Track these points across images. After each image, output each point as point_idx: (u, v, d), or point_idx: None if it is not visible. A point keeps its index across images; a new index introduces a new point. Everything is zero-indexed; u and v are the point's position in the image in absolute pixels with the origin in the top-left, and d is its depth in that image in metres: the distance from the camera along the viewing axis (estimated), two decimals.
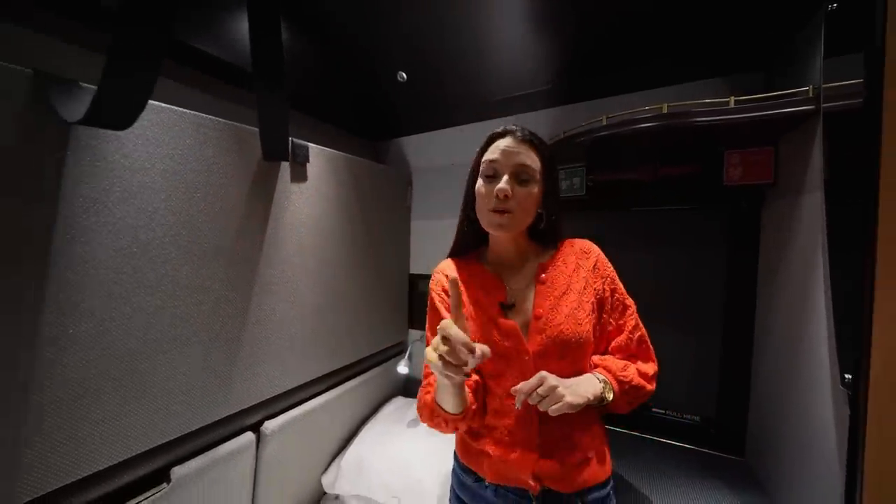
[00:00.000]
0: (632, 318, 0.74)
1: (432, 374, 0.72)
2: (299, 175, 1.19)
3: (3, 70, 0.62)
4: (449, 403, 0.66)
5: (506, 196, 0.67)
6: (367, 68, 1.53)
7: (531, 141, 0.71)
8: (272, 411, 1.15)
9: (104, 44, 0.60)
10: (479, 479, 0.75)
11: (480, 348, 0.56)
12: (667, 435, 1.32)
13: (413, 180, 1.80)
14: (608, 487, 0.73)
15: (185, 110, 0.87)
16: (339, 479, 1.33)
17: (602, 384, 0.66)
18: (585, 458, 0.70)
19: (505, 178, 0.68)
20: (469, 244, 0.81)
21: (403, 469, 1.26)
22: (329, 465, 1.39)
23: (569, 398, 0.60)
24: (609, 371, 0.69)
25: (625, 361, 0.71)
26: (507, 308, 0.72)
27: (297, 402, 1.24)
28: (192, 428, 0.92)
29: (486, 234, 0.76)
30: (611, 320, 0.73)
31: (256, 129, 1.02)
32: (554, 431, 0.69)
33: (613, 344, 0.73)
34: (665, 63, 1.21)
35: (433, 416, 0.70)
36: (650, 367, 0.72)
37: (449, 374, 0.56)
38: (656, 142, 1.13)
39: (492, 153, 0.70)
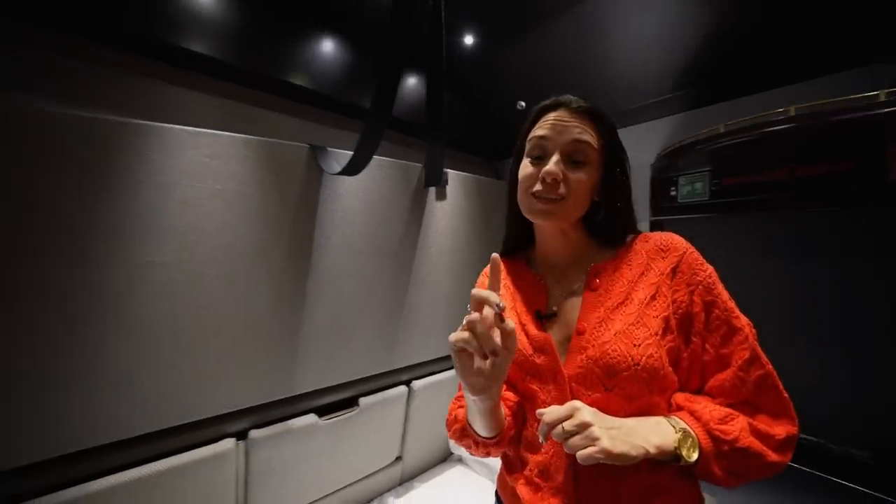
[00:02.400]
0: (744, 347, 0.50)
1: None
2: (441, 195, 1.55)
3: (299, 147, 1.11)
4: (478, 423, 0.55)
5: (555, 180, 0.54)
6: (489, 104, 1.83)
7: (590, 112, 0.57)
8: (418, 374, 1.52)
9: (342, 121, 1.03)
10: None
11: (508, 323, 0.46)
12: (825, 471, 1.18)
13: None
14: None
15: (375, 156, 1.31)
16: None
17: (679, 435, 0.46)
18: None
19: (555, 157, 0.54)
20: (519, 242, 0.68)
21: None
22: None
23: (606, 443, 0.42)
24: (697, 418, 0.49)
25: (729, 410, 0.50)
26: (544, 318, 0.58)
27: (438, 370, 1.58)
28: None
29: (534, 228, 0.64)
30: (707, 346, 0.52)
31: (413, 163, 1.41)
32: (599, 485, 0.51)
33: (713, 382, 0.52)
34: (797, 58, 1.15)
35: (462, 435, 0.60)
36: (780, 427, 0.48)
37: (463, 364, 0.47)
38: (793, 141, 1.09)
39: (540, 128, 0.57)
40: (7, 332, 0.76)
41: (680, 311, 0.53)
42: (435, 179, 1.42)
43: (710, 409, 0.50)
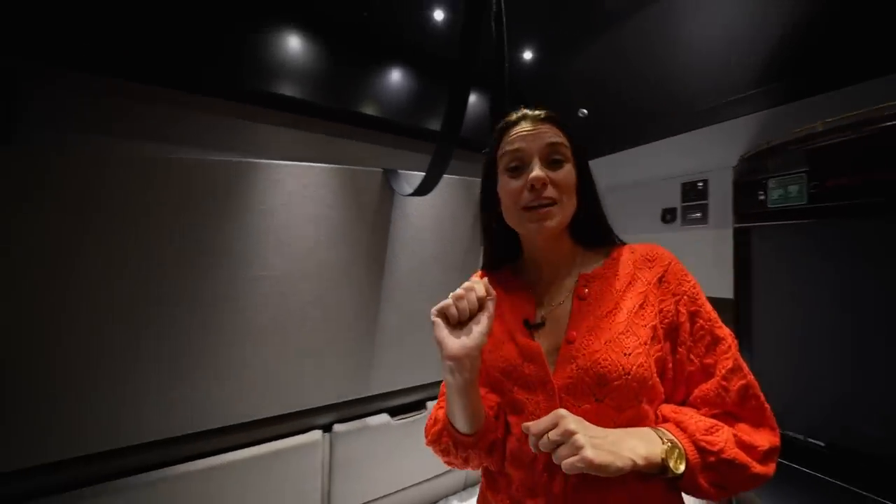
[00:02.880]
0: (727, 357, 0.51)
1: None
2: None
3: (374, 172, 1.24)
4: (458, 414, 0.54)
5: (543, 183, 0.53)
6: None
7: (552, 119, 0.58)
8: None
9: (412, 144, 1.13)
10: None
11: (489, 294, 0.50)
12: None
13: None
14: None
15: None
16: None
17: (666, 446, 0.46)
18: None
19: (536, 163, 0.54)
20: (503, 257, 0.66)
21: None
22: None
23: (589, 452, 0.41)
24: (684, 430, 0.48)
25: (714, 421, 0.49)
26: (533, 327, 0.57)
27: None
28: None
29: (516, 241, 0.64)
30: (691, 356, 0.52)
31: (474, 179, 1.47)
32: (587, 498, 0.49)
33: (698, 392, 0.52)
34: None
35: (440, 436, 0.58)
36: (763, 438, 0.48)
37: (442, 332, 0.49)
38: None
39: (510, 143, 0.57)
40: (157, 331, 0.97)
41: (666, 320, 0.53)
42: None
43: (695, 419, 0.50)
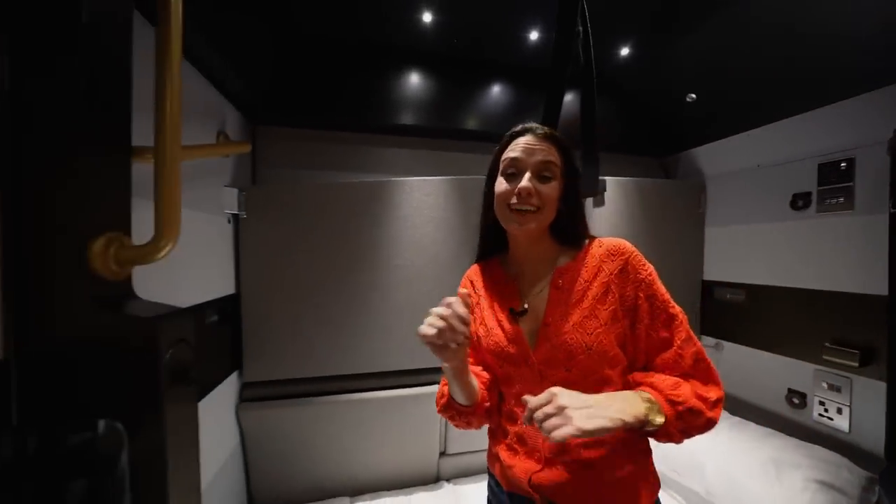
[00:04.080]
0: (681, 329, 0.64)
1: None
2: (598, 202, 1.68)
3: (479, 179, 1.51)
4: (457, 392, 0.68)
5: (529, 193, 0.65)
6: (650, 103, 1.80)
7: (552, 137, 0.69)
8: None
9: None
10: (497, 484, 0.74)
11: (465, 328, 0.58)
12: None
13: (707, 187, 1.85)
14: None
15: None
16: None
17: (647, 404, 0.57)
18: (613, 477, 0.63)
19: (527, 175, 0.65)
20: (492, 248, 0.79)
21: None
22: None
23: (578, 422, 0.50)
24: (656, 389, 0.60)
25: (676, 379, 0.62)
26: (517, 314, 0.69)
27: None
28: None
29: (506, 235, 0.74)
30: (650, 332, 0.64)
31: None
32: (564, 444, 0.63)
33: (658, 360, 0.64)
34: None
35: (447, 407, 0.71)
36: (712, 391, 0.61)
37: (435, 345, 0.58)
38: None
39: (512, 151, 0.68)
40: (346, 299, 1.43)
41: (627, 303, 0.65)
42: (589, 189, 1.57)
43: (662, 379, 0.62)
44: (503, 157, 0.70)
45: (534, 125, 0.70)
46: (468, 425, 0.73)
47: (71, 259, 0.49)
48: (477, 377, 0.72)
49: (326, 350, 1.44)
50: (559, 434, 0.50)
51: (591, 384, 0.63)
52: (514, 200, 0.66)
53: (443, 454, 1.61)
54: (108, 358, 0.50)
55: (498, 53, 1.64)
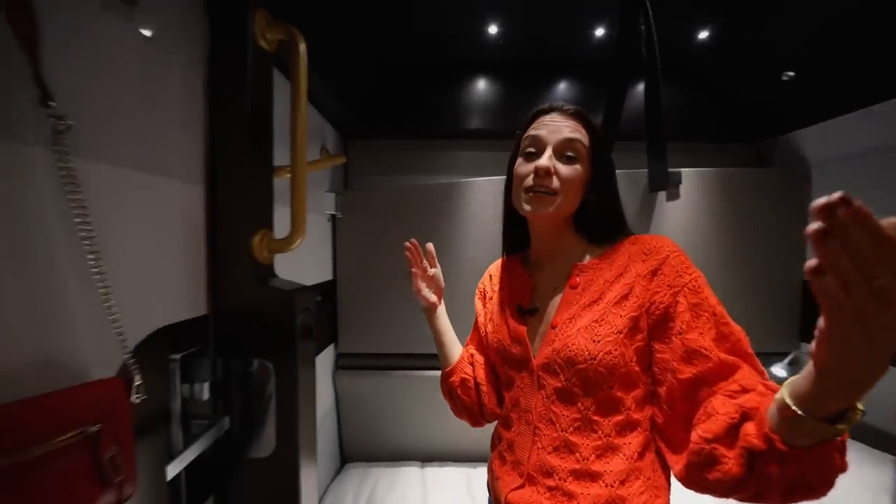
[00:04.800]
0: (751, 356, 0.46)
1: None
2: (673, 195, 1.60)
3: None
4: (441, 355, 0.76)
5: (547, 172, 0.56)
6: (738, 87, 1.64)
7: (580, 115, 0.61)
8: None
9: None
10: (490, 492, 0.69)
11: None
12: None
13: (812, 176, 1.63)
14: None
15: None
16: None
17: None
18: None
19: (548, 153, 0.58)
20: (515, 241, 0.72)
21: None
22: None
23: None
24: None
25: None
26: (525, 312, 0.62)
27: None
28: None
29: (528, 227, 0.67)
30: (698, 347, 0.47)
31: (639, 170, 1.56)
32: (546, 463, 0.54)
33: (717, 387, 0.45)
34: None
35: (443, 389, 0.79)
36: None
37: (419, 283, 0.76)
38: None
39: (534, 128, 0.61)
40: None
41: (658, 311, 0.52)
42: (659, 184, 1.52)
43: None
44: (524, 136, 0.62)
45: (561, 102, 0.62)
46: (454, 404, 0.76)
47: (242, 249, 0.73)
48: (474, 360, 0.77)
49: (406, 330, 1.64)
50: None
51: (596, 406, 0.53)
52: (530, 181, 0.58)
53: None
54: (262, 317, 0.73)
55: (561, 53, 1.67)
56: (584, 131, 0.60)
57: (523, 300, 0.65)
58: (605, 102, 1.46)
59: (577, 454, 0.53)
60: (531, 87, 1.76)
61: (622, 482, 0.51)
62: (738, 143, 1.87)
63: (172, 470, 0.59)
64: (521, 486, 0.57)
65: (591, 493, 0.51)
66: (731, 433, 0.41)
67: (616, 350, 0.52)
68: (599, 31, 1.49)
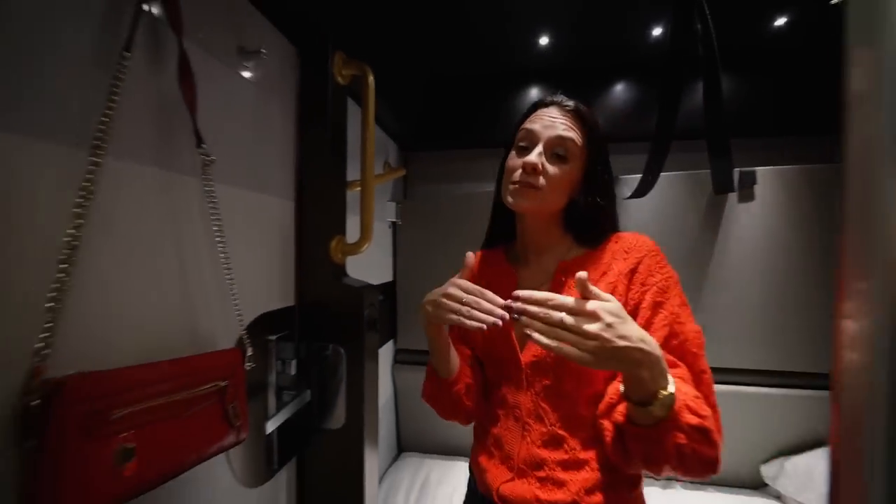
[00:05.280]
0: (695, 355, 0.52)
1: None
2: (747, 196, 1.49)
3: None
4: (442, 365, 0.63)
5: (534, 169, 0.56)
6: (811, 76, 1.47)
7: (579, 112, 0.59)
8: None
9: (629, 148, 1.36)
10: (475, 485, 0.68)
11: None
12: None
13: None
14: None
15: (665, 173, 1.52)
16: (781, 478, 1.43)
17: (669, 385, 0.45)
18: (574, 502, 0.53)
19: (538, 149, 0.58)
20: (500, 234, 0.71)
21: None
22: (772, 458, 1.52)
23: (590, 357, 0.43)
24: (678, 389, 0.46)
25: (698, 393, 0.49)
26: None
27: (745, 382, 1.52)
28: None
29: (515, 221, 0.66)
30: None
31: (701, 171, 1.47)
32: (536, 456, 0.56)
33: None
34: None
35: (430, 380, 0.68)
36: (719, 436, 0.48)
37: (442, 314, 0.54)
38: None
39: (530, 122, 0.61)
40: None
41: (629, 307, 0.55)
42: (724, 185, 1.42)
43: (686, 388, 0.49)
44: (519, 129, 0.63)
45: (562, 97, 0.62)
46: (454, 410, 0.67)
47: (321, 251, 0.87)
48: (459, 353, 0.69)
49: None
50: (561, 348, 0.43)
51: (585, 401, 0.56)
52: (517, 175, 0.59)
53: None
54: (336, 309, 0.86)
55: (614, 55, 1.64)
56: (579, 130, 0.59)
57: (508, 294, 0.63)
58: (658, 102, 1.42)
59: (566, 446, 0.56)
60: (585, 92, 1.75)
61: (608, 467, 0.55)
62: (828, 134, 1.67)
63: (269, 426, 0.74)
64: (512, 479, 0.58)
65: (579, 478, 0.55)
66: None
67: None
68: (656, 31, 1.45)
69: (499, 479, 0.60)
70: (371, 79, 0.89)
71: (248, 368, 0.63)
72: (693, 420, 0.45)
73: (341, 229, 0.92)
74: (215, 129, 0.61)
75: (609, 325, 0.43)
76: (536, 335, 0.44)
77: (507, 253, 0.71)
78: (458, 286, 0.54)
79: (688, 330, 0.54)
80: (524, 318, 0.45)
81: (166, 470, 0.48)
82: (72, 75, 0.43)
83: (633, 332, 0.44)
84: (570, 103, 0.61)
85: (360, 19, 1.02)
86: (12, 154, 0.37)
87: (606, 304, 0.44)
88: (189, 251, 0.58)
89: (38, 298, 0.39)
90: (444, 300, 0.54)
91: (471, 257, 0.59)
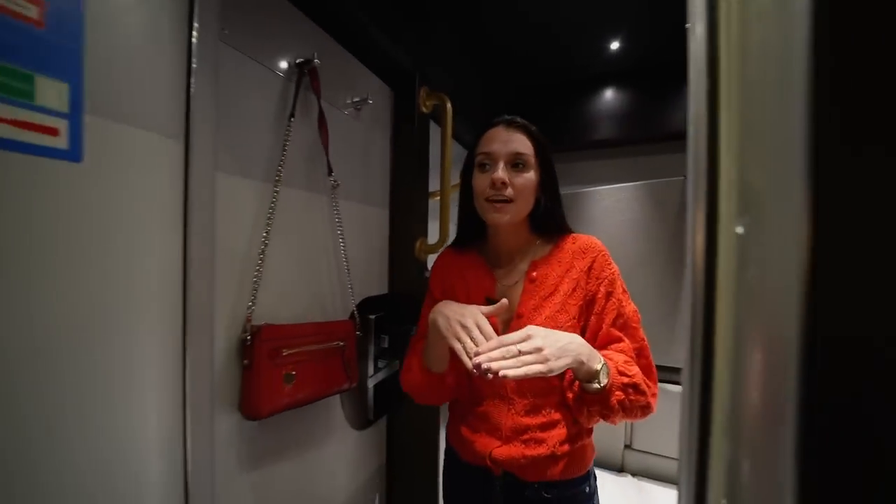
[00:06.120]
0: (634, 329, 0.67)
1: (421, 342, 0.73)
2: None
3: (673, 181, 1.53)
4: (436, 362, 0.68)
5: (503, 183, 0.65)
6: None
7: (524, 127, 0.69)
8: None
9: None
10: (457, 455, 0.76)
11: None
12: None
13: None
14: (582, 486, 0.71)
15: None
16: None
17: (601, 363, 0.59)
18: (555, 454, 0.66)
19: (500, 165, 0.66)
20: (469, 237, 0.78)
21: None
22: None
23: (551, 363, 0.54)
24: (610, 359, 0.62)
25: (629, 358, 0.64)
26: (492, 303, 0.66)
27: None
28: None
29: (485, 226, 0.74)
30: (603, 325, 0.66)
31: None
32: (521, 424, 0.68)
33: (610, 349, 0.66)
34: None
35: (414, 372, 0.71)
36: (653, 385, 0.64)
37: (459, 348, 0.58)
38: None
39: (485, 145, 0.69)
40: None
41: (588, 296, 0.68)
42: None
43: (617, 355, 0.64)
44: (477, 151, 0.70)
45: (507, 117, 0.71)
46: (438, 397, 0.74)
47: (408, 250, 1.07)
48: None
49: None
50: (528, 370, 0.54)
51: (557, 375, 0.63)
52: (489, 192, 0.67)
53: (627, 447, 1.70)
54: (419, 298, 1.06)
55: (683, 54, 1.57)
56: (529, 142, 0.68)
57: (490, 292, 0.73)
58: None
59: (543, 411, 0.68)
60: (656, 93, 1.71)
61: (574, 422, 0.69)
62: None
63: (370, 383, 0.97)
64: (501, 446, 0.69)
65: (554, 434, 0.68)
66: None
67: (572, 332, 0.65)
68: None
69: (489, 446, 0.69)
70: (448, 105, 1.07)
71: (358, 335, 0.85)
72: (625, 379, 0.61)
73: (424, 232, 1.11)
74: (337, 159, 0.85)
75: (544, 337, 0.57)
76: (510, 372, 0.53)
77: (480, 253, 0.78)
78: (480, 328, 0.59)
79: (628, 311, 0.68)
80: (493, 365, 0.54)
81: (311, 395, 0.71)
82: (263, 135, 0.68)
83: (561, 335, 0.59)
84: (518, 120, 0.70)
85: (443, 57, 1.21)
86: (238, 189, 0.63)
87: (531, 328, 0.59)
88: (322, 248, 0.82)
89: (248, 277, 0.64)
90: (459, 329, 0.60)
91: (504, 303, 0.63)
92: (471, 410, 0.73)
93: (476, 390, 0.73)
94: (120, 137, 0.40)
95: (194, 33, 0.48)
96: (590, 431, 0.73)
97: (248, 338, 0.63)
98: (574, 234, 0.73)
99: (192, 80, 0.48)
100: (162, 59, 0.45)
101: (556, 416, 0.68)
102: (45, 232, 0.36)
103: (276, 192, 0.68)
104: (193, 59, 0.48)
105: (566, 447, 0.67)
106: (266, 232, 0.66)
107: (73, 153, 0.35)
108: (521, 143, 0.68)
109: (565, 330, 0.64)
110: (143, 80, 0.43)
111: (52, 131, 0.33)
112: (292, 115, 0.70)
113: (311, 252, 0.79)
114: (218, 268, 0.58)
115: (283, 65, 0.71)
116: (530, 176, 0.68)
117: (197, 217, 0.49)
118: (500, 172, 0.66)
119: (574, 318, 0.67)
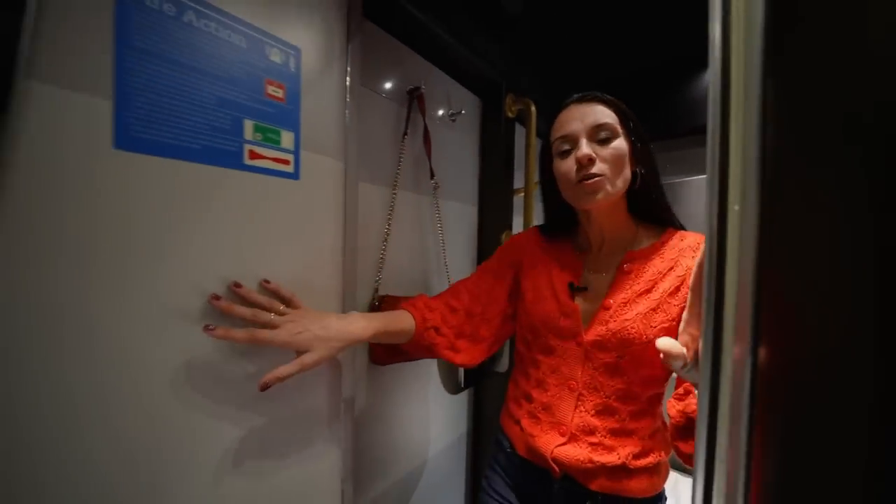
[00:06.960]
0: None
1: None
2: None
3: None
4: (397, 339, 0.67)
5: (589, 160, 0.58)
6: None
7: (599, 98, 0.62)
8: None
9: None
10: (512, 447, 0.71)
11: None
12: None
13: None
14: None
15: None
16: None
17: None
18: (626, 465, 0.60)
19: (583, 142, 0.59)
20: (557, 227, 0.73)
21: None
22: None
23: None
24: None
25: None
26: (576, 290, 0.65)
27: None
28: None
29: (575, 216, 0.70)
30: None
31: None
32: (589, 424, 0.62)
33: None
34: None
35: (383, 347, 0.76)
36: None
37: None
38: None
39: (560, 128, 0.63)
40: None
41: None
42: None
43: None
44: (553, 139, 0.64)
45: (576, 95, 0.64)
46: (429, 353, 0.70)
47: (495, 242, 1.20)
48: (493, 299, 0.72)
49: None
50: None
51: (640, 380, 0.61)
52: (576, 175, 0.59)
53: None
54: None
55: None
56: (609, 110, 0.61)
57: (575, 277, 0.67)
58: None
59: (617, 416, 0.62)
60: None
61: (651, 436, 0.64)
62: None
63: None
64: (565, 444, 0.63)
65: (628, 444, 0.62)
66: (685, 396, 0.54)
67: (668, 336, 0.56)
68: None
69: (552, 443, 0.64)
70: (533, 109, 1.17)
71: None
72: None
73: (509, 226, 1.23)
74: (435, 164, 1.02)
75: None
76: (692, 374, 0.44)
77: (572, 242, 0.73)
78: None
79: None
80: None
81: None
82: (385, 151, 0.88)
83: None
84: (587, 94, 0.63)
85: (529, 62, 1.31)
86: (370, 193, 0.84)
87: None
88: (427, 239, 1.00)
89: (375, 257, 0.85)
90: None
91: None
92: (531, 399, 0.68)
93: (538, 375, 0.68)
94: (316, 162, 0.61)
95: (347, 86, 0.69)
96: (668, 450, 0.65)
97: (377, 304, 0.84)
98: (682, 231, 0.64)
99: (347, 118, 0.68)
100: (332, 108, 0.66)
101: (633, 425, 0.62)
102: (283, 223, 0.58)
103: (395, 194, 0.87)
104: (347, 103, 0.69)
105: (642, 462, 0.61)
106: (388, 225, 0.86)
107: (296, 174, 0.57)
108: (602, 114, 0.60)
109: (661, 331, 0.57)
110: (327, 125, 0.64)
111: (286, 162, 0.55)
112: (405, 133, 0.89)
113: (418, 241, 0.98)
114: (359, 251, 0.79)
115: (398, 93, 0.91)
116: (619, 144, 0.59)
117: (350, 213, 0.70)
118: (585, 149, 0.58)
119: (673, 320, 0.57)
